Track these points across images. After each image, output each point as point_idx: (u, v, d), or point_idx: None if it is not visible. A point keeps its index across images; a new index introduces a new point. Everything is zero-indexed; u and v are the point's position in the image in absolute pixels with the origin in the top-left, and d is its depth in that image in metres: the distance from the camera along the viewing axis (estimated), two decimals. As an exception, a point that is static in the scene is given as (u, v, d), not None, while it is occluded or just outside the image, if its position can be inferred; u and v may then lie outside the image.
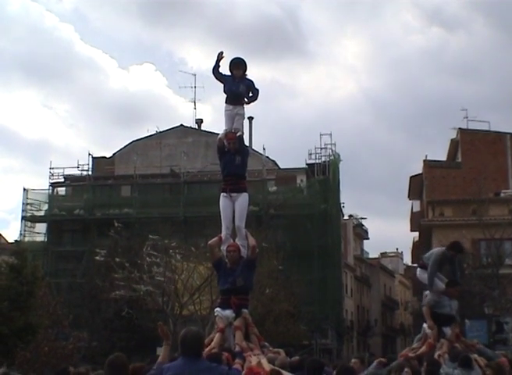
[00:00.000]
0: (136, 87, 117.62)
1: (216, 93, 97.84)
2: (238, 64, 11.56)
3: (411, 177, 58.35)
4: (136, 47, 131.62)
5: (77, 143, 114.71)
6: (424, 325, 13.50)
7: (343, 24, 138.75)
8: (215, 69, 11.62)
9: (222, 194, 11.40)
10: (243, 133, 11.66)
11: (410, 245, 65.01)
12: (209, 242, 11.27)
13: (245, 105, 11.68)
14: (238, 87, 11.47)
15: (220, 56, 11.58)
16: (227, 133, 11.47)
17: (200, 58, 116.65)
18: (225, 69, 11.75)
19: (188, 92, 60.83)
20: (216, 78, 11.67)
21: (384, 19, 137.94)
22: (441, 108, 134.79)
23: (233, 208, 11.29)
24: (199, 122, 59.45)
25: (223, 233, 11.28)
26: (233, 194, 11.31)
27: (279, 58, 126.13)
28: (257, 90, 11.62)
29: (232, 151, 11.37)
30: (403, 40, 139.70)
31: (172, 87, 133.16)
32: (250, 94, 11.61)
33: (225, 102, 11.61)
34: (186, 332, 6.47)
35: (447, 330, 13.35)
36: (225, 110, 11.57)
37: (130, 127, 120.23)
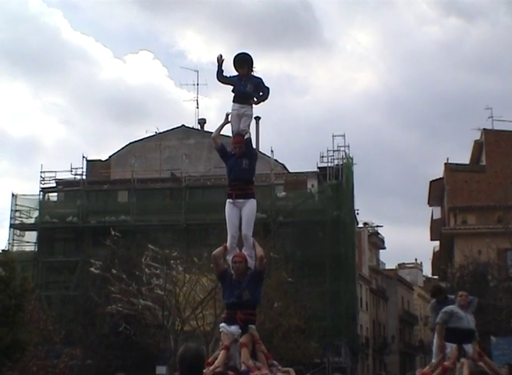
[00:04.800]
0: (133, 78, 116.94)
1: (220, 89, 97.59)
2: (241, 62, 11.45)
3: (431, 182, 58.27)
4: (131, 35, 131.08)
5: (70, 142, 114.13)
6: (448, 344, 13.34)
7: (350, 14, 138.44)
8: (219, 75, 11.50)
9: (227, 200, 11.32)
10: (250, 134, 11.59)
11: (431, 255, 64.97)
12: (213, 252, 11.21)
13: (253, 105, 11.61)
14: (245, 86, 11.38)
15: (220, 61, 11.45)
16: (234, 136, 11.41)
17: (202, 49, 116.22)
18: (230, 61, 11.64)
19: (191, 82, 60.62)
20: (222, 83, 11.56)
21: (396, 9, 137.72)
22: (461, 107, 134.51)
23: (240, 215, 11.22)
24: (202, 122, 59.43)
25: (228, 243, 11.20)
26: (240, 201, 11.23)
27: (287, 49, 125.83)
28: (268, 88, 11.52)
29: (238, 155, 11.30)
30: (418, 31, 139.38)
31: (173, 78, 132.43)
32: (260, 93, 11.52)
33: (233, 101, 11.53)
34: (184, 350, 6.36)
35: (468, 348, 13.18)
36: (232, 110, 11.48)
37: (128, 124, 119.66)
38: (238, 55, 11.54)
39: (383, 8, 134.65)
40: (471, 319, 13.48)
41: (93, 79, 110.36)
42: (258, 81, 11.46)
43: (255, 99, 11.48)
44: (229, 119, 11.43)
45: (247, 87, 11.36)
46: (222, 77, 11.50)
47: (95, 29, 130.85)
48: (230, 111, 11.46)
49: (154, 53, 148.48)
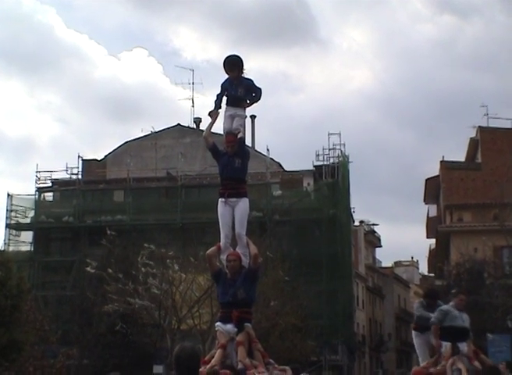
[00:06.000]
0: (128, 76, 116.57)
1: (216, 88, 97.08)
2: (231, 65, 11.43)
3: (427, 180, 58.29)
4: (125, 32, 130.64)
5: (66, 141, 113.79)
6: (444, 343, 13.36)
7: (345, 11, 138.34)
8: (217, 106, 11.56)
9: (220, 199, 11.32)
10: (244, 133, 11.59)
11: (427, 253, 65.02)
12: (207, 252, 11.22)
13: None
14: (237, 90, 11.38)
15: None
16: (226, 135, 11.39)
17: (197, 47, 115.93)
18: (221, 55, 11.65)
19: (186, 80, 60.51)
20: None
21: (390, 7, 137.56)
22: (456, 104, 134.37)
23: (233, 214, 11.23)
24: (197, 121, 59.43)
25: (222, 242, 11.22)
26: (232, 200, 11.23)
27: (283, 47, 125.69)
28: (260, 89, 11.52)
29: (231, 154, 11.29)
30: (412, 29, 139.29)
31: (168, 76, 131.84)
32: (253, 95, 11.51)
33: (226, 104, 11.53)
34: (180, 349, 6.34)
35: (463, 346, 13.22)
36: (225, 111, 11.50)
37: (124, 122, 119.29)
38: (228, 57, 11.50)
39: (377, 6, 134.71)
40: (465, 318, 13.54)
41: (87, 77, 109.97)
42: (250, 83, 11.45)
43: (247, 101, 11.49)
44: (216, 115, 11.46)
45: (238, 90, 11.36)
46: (219, 101, 11.48)
47: (89, 26, 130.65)
48: (213, 109, 11.49)
49: (149, 50, 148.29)
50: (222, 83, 11.55)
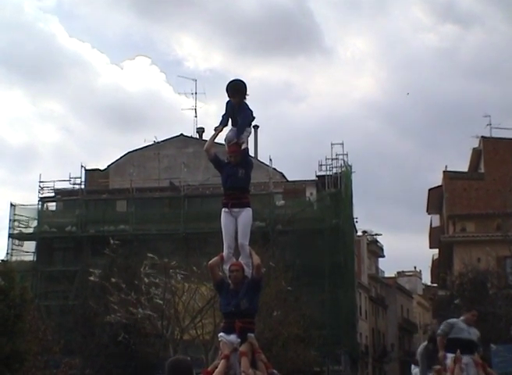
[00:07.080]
0: (131, 84, 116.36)
1: (219, 97, 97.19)
2: (233, 91, 11.39)
3: (430, 190, 58.27)
4: (128, 41, 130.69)
5: (68, 150, 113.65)
6: (448, 354, 13.30)
7: (347, 20, 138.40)
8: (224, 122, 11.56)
9: (223, 209, 11.30)
10: (247, 144, 11.57)
11: (430, 263, 64.94)
12: (209, 262, 11.18)
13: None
14: (237, 117, 11.40)
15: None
16: (229, 146, 11.38)
17: (199, 56, 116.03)
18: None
19: (189, 90, 60.51)
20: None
21: (392, 16, 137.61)
22: (459, 114, 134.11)
23: (236, 224, 11.20)
24: (200, 131, 59.51)
25: (225, 252, 11.17)
26: (235, 210, 11.20)
27: (285, 56, 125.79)
28: (245, 124, 11.51)
29: (234, 164, 11.28)
30: (414, 38, 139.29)
31: (171, 84, 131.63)
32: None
33: (231, 124, 11.53)
34: (172, 363, 6.30)
35: (467, 359, 13.17)
36: (231, 128, 11.50)
37: (127, 132, 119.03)
38: (231, 83, 11.45)
39: (379, 15, 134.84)
40: (473, 332, 13.46)
41: (90, 85, 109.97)
42: (248, 113, 11.40)
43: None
44: (220, 130, 11.44)
45: (238, 118, 11.36)
46: (226, 120, 11.46)
47: (92, 35, 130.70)
48: (219, 126, 11.47)
49: (152, 59, 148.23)
50: (226, 102, 11.51)
